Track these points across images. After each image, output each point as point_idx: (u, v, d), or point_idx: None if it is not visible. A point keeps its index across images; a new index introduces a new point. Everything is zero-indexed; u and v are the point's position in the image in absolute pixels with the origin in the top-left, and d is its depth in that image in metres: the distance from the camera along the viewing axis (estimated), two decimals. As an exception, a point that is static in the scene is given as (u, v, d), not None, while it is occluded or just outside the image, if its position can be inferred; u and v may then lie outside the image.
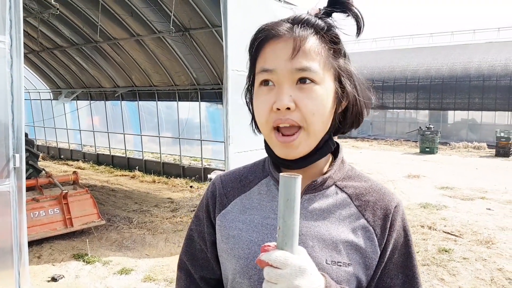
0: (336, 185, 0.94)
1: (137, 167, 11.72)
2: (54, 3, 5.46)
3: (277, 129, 0.86)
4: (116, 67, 11.11)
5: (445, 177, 11.61)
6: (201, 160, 10.50)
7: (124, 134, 12.45)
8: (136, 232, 6.48)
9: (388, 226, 0.91)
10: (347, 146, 20.72)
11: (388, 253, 0.91)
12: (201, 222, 1.04)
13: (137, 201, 8.43)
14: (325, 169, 0.96)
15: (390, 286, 0.91)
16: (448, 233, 6.40)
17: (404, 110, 25.60)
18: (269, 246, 0.75)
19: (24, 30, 3.61)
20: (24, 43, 3.55)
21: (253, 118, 0.96)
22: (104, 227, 6.61)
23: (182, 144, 10.98)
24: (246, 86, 0.97)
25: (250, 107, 0.97)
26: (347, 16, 0.90)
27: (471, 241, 6.03)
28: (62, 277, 4.77)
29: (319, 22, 0.88)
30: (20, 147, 3.64)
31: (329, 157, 0.98)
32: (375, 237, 0.90)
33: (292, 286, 0.71)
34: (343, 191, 0.94)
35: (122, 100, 12.26)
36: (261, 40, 0.88)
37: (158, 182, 10.42)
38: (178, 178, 10.53)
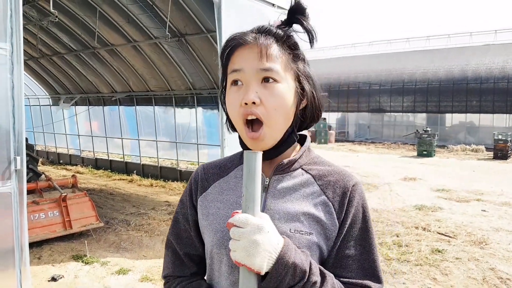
0: (302, 168, 1.09)
1: (135, 171, 11.85)
2: (53, 10, 5.62)
3: (247, 122, 1.00)
4: (114, 72, 11.26)
5: (441, 179, 11.71)
6: (198, 164, 10.63)
7: (122, 139, 12.59)
8: (134, 234, 6.60)
9: (346, 202, 1.04)
10: (344, 150, 20.85)
11: (346, 226, 1.03)
12: (185, 205, 1.18)
13: (134, 204, 8.55)
14: (292, 156, 1.10)
15: (349, 256, 1.03)
16: (442, 234, 6.47)
17: (401, 114, 25.75)
18: (236, 212, 0.92)
19: (23, 37, 3.74)
20: (23, 50, 3.68)
21: (227, 117, 1.11)
22: (103, 229, 6.73)
23: (179, 148, 11.11)
24: (220, 89, 1.11)
25: (224, 107, 1.10)
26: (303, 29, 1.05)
27: (465, 242, 6.10)
28: (61, 277, 4.89)
29: (279, 31, 1.03)
30: (21, 150, 3.75)
31: (297, 146, 1.13)
32: (334, 212, 1.03)
33: (251, 240, 0.87)
34: (308, 172, 1.08)
35: (120, 105, 12.41)
36: (231, 48, 1.02)
37: (156, 186, 10.54)
38: (176, 181, 10.66)
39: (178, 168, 11.01)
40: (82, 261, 5.41)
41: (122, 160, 12.66)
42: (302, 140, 1.15)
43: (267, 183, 1.06)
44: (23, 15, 3.95)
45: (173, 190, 9.90)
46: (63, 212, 6.27)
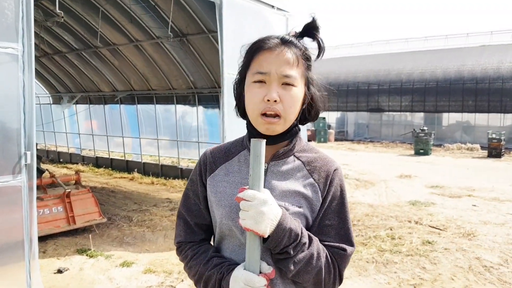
0: (294, 155, 1.33)
1: (136, 170, 11.99)
2: (58, 11, 5.76)
3: (264, 114, 1.21)
4: (115, 71, 11.40)
5: (436, 177, 11.93)
6: (199, 162, 10.74)
7: (123, 137, 12.73)
8: (136, 230, 6.76)
9: (328, 183, 1.29)
10: (343, 149, 21.03)
11: (327, 201, 1.28)
12: (195, 183, 1.40)
13: (136, 202, 8.70)
14: (286, 145, 1.32)
15: (328, 225, 1.27)
16: (433, 227, 6.72)
17: (399, 113, 26.02)
18: (244, 188, 1.15)
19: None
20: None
21: (238, 104, 1.34)
22: (105, 225, 6.89)
23: (180, 146, 11.27)
24: (237, 80, 1.33)
25: (235, 94, 1.34)
26: (313, 41, 1.29)
27: (454, 234, 6.36)
28: (67, 270, 5.05)
29: (299, 45, 1.27)
30: (31, 145, 3.89)
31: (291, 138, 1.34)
32: (319, 190, 1.28)
33: (258, 211, 1.10)
34: (299, 159, 1.33)
35: (121, 104, 12.55)
36: (257, 49, 1.24)
37: (157, 184, 10.69)
38: (177, 179, 10.81)
39: (179, 166, 11.17)
40: (87, 255, 5.56)
41: (123, 158, 12.80)
42: None
43: (266, 167, 1.28)
44: (32, 15, 4.09)
45: (174, 188, 10.05)
46: (67, 208, 6.41)
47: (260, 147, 1.10)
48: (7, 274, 3.96)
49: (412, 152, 18.97)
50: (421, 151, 18.29)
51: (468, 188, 10.21)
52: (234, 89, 1.35)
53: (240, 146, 1.39)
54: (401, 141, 23.95)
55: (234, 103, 1.37)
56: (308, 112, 1.32)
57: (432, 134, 18.82)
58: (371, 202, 8.57)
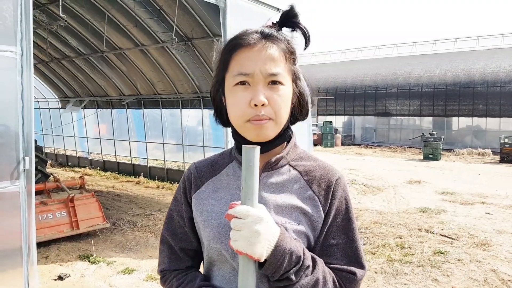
0: (289, 164, 1.16)
1: (142, 174, 11.98)
2: (62, 15, 5.74)
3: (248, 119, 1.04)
4: (122, 76, 11.41)
5: (446, 182, 11.69)
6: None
7: (129, 141, 12.74)
8: (140, 235, 6.69)
9: (330, 195, 1.12)
10: (350, 153, 20.84)
11: (331, 217, 1.11)
12: (179, 202, 1.24)
13: (141, 206, 8.65)
14: (280, 152, 1.16)
15: (333, 244, 1.11)
16: (445, 236, 6.47)
17: (407, 117, 25.71)
18: (235, 203, 0.97)
19: (33, 41, 3.85)
20: (33, 53, 3.78)
21: (217, 111, 1.17)
22: (109, 230, 6.84)
23: (185, 151, 11.21)
24: (215, 84, 1.16)
25: (213, 101, 1.17)
26: (293, 31, 1.12)
27: (467, 244, 6.09)
28: (68, 276, 4.99)
29: (282, 37, 1.09)
30: (29, 150, 3.84)
31: (284, 142, 1.17)
32: (320, 205, 1.11)
33: (253, 231, 0.93)
34: (295, 169, 1.15)
35: (127, 108, 12.56)
36: (235, 46, 1.06)
37: (162, 188, 10.66)
38: (182, 184, 10.75)
39: (185, 170, 11.10)
40: (89, 261, 5.50)
41: (130, 162, 12.80)
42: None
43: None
44: (33, 19, 4.06)
45: (179, 192, 9.98)
46: (70, 212, 6.37)
47: (254, 154, 0.94)
48: (5, 281, 3.90)
49: (421, 157, 18.71)
50: (430, 156, 18.02)
51: (481, 194, 9.91)
52: (211, 95, 1.18)
53: (228, 158, 1.22)
54: (410, 145, 23.67)
55: None
56: (298, 110, 1.14)
57: (442, 139, 18.54)
58: (379, 209, 8.38)
